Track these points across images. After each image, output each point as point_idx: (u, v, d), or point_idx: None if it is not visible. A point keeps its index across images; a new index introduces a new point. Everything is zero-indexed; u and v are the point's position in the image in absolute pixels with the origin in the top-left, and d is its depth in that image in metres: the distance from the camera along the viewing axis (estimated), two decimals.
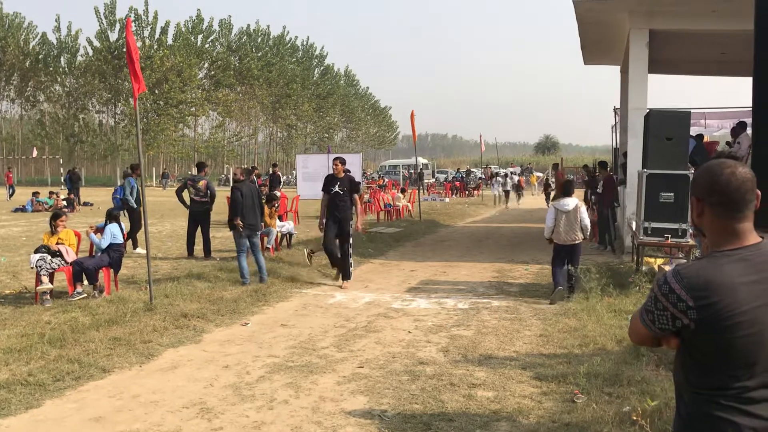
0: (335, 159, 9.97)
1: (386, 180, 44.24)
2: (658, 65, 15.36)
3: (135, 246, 13.28)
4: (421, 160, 52.33)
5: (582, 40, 14.89)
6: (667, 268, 9.72)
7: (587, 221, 8.73)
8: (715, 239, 2.01)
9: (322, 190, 9.96)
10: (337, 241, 9.91)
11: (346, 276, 9.98)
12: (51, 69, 60.93)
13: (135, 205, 13.11)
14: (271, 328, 7.53)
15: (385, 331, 7.31)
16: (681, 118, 8.83)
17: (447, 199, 31.99)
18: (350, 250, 10.18)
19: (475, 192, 36.46)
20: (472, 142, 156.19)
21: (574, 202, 8.72)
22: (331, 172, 10.18)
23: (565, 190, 8.97)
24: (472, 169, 55.86)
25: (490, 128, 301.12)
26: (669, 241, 8.80)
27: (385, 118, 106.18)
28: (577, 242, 8.73)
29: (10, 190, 32.79)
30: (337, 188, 9.70)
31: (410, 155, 53.63)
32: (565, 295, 8.67)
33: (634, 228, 10.07)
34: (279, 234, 13.37)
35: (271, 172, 24.80)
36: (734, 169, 1.97)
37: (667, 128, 8.58)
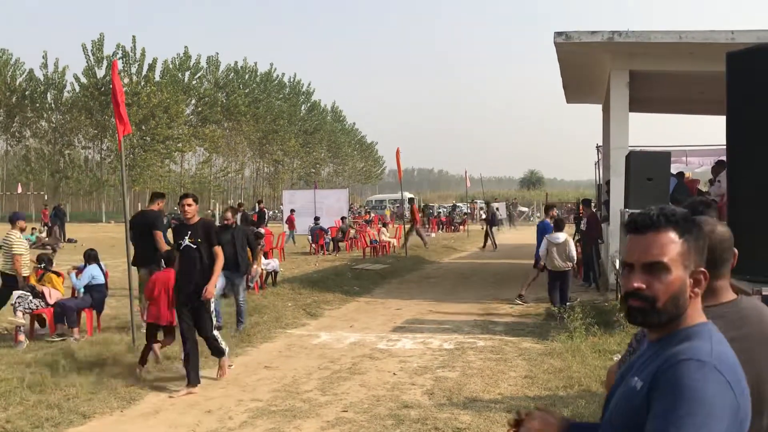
0: (183, 197, 6.92)
1: (372, 215, 44.42)
2: (639, 104, 15.63)
3: None
4: (407, 195, 52.60)
5: (564, 80, 15.15)
6: None
7: (573, 253, 10.84)
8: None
9: (173, 244, 7.21)
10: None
11: (218, 353, 7.03)
12: (38, 105, 60.86)
13: None
14: (254, 370, 7.47)
15: (370, 373, 7.27)
16: (661, 159, 8.96)
17: (433, 235, 32.04)
18: (214, 327, 7.01)
19: (461, 227, 36.56)
20: (457, 176, 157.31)
21: (564, 236, 10.78)
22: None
23: (557, 225, 10.99)
24: (457, 204, 56.11)
25: (475, 163, 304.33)
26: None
27: (372, 153, 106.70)
28: (567, 269, 10.74)
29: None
30: (187, 241, 6.71)
31: (396, 190, 53.88)
32: (558, 310, 9.93)
33: (617, 266, 10.14)
34: (264, 272, 13.32)
35: (257, 208, 24.83)
36: (713, 227, 2.01)
37: (647, 168, 8.69)
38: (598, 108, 18.90)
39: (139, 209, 11.77)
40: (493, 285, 14.72)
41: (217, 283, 7.90)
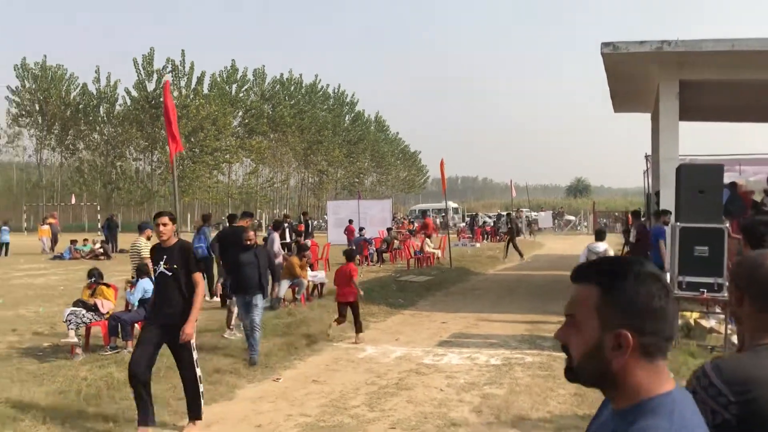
0: (158, 215, 6.02)
1: (416, 224, 44.39)
2: (689, 113, 15.32)
3: (211, 296, 13.23)
4: (452, 204, 52.43)
5: (611, 90, 14.95)
6: (705, 322, 9.56)
7: None
8: (753, 331, 1.94)
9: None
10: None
11: (194, 414, 6.01)
12: (90, 118, 62.81)
13: (207, 255, 13.23)
14: (302, 384, 7.54)
15: (417, 388, 7.27)
16: (713, 171, 8.78)
17: (478, 245, 31.88)
18: (197, 371, 6.05)
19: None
20: (502, 184, 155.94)
21: (604, 246, 10.88)
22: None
23: (597, 235, 11.38)
24: (502, 213, 55.68)
25: (521, 171, 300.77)
26: (705, 295, 8.66)
27: (415, 162, 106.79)
28: None
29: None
30: (162, 267, 5.91)
31: (440, 199, 53.75)
32: None
33: (668, 281, 9.94)
34: (310, 283, 13.45)
35: (303, 219, 25.03)
36: (761, 263, 1.96)
37: (699, 181, 8.53)
38: (647, 115, 18.58)
39: (227, 225, 12.53)
40: (539, 297, 14.56)
41: (262, 294, 8.52)
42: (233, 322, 10.07)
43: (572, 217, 53.67)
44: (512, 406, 6.53)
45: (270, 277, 8.84)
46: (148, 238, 10.19)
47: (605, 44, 11.23)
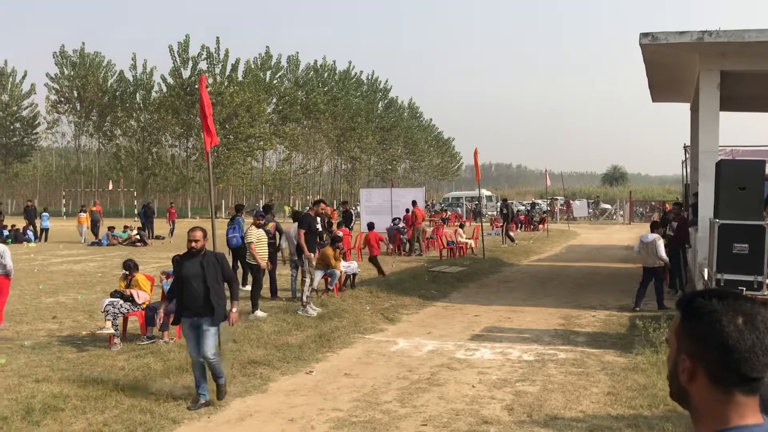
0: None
1: (449, 213, 44.21)
2: (730, 103, 14.95)
3: (245, 284, 13.44)
4: (485, 192, 52.09)
5: (650, 80, 14.64)
6: None
7: (661, 253, 11.49)
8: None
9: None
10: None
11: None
12: (127, 105, 63.71)
13: (241, 244, 13.35)
14: (335, 377, 7.60)
15: (449, 384, 7.27)
16: (755, 167, 8.56)
17: (512, 234, 31.62)
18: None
19: (541, 226, 35.93)
20: (537, 172, 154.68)
21: (653, 236, 11.60)
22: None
23: (652, 227, 12.11)
24: (537, 202, 55.19)
25: (556, 158, 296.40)
26: (744, 294, 8.47)
27: (449, 149, 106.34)
28: (656, 266, 11.57)
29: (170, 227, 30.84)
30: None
31: (473, 186, 53.36)
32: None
33: (706, 277, 9.76)
34: (343, 274, 13.51)
35: (342, 209, 24.96)
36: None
37: (739, 177, 8.32)
38: (686, 104, 18.18)
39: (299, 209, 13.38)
40: (573, 290, 14.43)
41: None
42: (306, 294, 10.91)
43: (608, 206, 52.87)
44: (545, 405, 6.50)
45: (230, 292, 6.89)
46: (258, 226, 11.52)
47: (644, 35, 10.98)
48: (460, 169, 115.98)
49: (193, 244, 6.61)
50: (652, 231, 11.93)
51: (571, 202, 50.72)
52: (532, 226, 36.66)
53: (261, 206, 13.52)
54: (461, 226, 22.90)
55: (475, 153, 21.03)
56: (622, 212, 48.51)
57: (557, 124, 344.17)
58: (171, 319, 8.96)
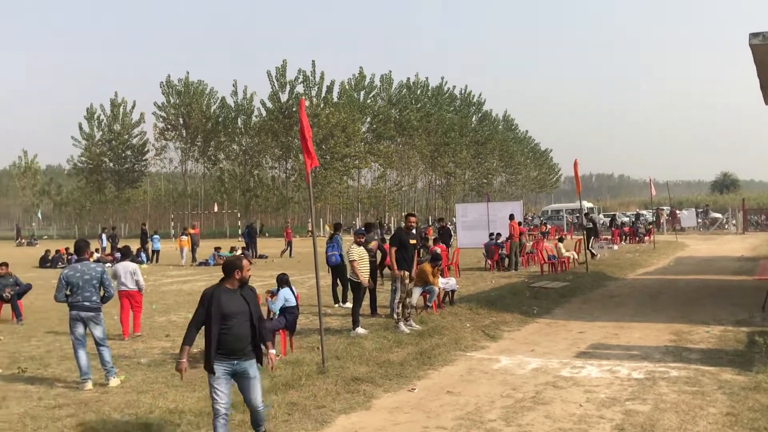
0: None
1: (548, 226, 43.22)
2: None
3: (344, 301, 13.81)
4: (586, 204, 50.66)
5: (761, 81, 13.87)
6: None
7: None
8: None
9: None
10: None
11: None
12: (229, 130, 66.58)
13: (340, 262, 13.73)
14: (437, 394, 7.56)
15: (555, 403, 7.08)
16: None
17: (615, 247, 30.60)
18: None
19: (647, 238, 34.54)
20: (640, 181, 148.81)
21: None
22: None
23: None
24: (641, 212, 53.12)
25: (659, 166, 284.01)
26: None
27: (546, 161, 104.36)
28: None
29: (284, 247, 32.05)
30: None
31: (573, 198, 52.00)
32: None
33: None
34: (442, 291, 13.46)
35: (439, 226, 24.93)
36: None
37: None
38: None
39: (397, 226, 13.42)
40: (684, 305, 13.75)
41: None
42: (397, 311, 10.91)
43: (718, 215, 50.17)
44: (657, 425, 6.21)
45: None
46: (359, 244, 11.58)
47: (754, 35, 10.43)
48: (558, 181, 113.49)
49: (245, 272, 5.62)
50: None
51: (678, 212, 48.51)
52: (637, 238, 35.33)
53: (360, 225, 13.79)
54: (561, 240, 22.32)
55: (575, 164, 20.54)
56: (734, 221, 45.94)
57: (660, 131, 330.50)
58: (274, 336, 9.24)
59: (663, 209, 49.36)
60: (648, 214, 49.79)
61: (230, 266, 5.58)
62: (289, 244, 32.08)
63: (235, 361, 5.49)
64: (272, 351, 5.89)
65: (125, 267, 11.22)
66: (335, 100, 61.83)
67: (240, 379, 5.58)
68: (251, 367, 5.58)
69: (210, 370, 5.51)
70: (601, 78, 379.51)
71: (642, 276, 19.87)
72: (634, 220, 44.03)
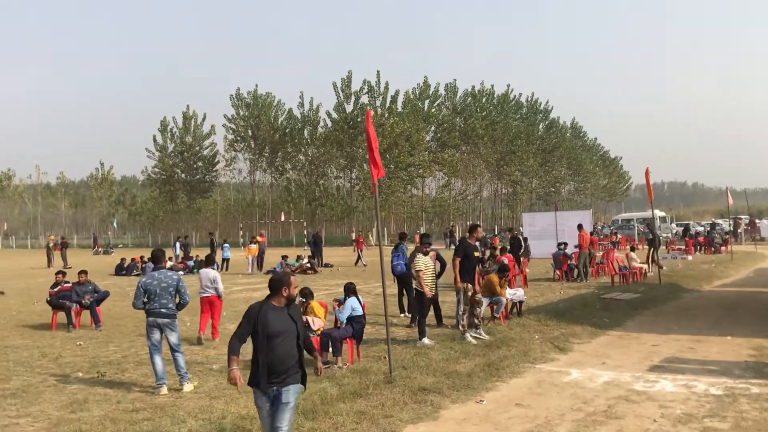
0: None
1: (619, 236, 42.13)
2: None
3: (410, 311, 13.82)
4: (658, 213, 49.18)
5: None
6: None
7: None
8: None
9: None
10: None
11: None
12: (296, 141, 67.80)
13: (405, 271, 13.75)
14: (506, 407, 7.47)
15: (627, 417, 6.89)
16: None
17: (690, 257, 29.58)
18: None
19: (723, 248, 33.26)
20: (716, 189, 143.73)
21: None
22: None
23: None
24: (717, 222, 51.22)
25: (736, 174, 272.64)
26: None
27: (616, 169, 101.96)
28: None
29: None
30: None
31: (644, 207, 50.62)
32: None
33: None
34: (509, 302, 13.30)
35: (509, 235, 24.61)
36: None
37: None
38: None
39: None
40: (765, 318, 13.17)
41: None
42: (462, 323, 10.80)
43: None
44: None
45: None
46: (425, 254, 11.46)
47: None
48: (629, 190, 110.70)
49: (293, 289, 5.31)
50: None
51: (757, 221, 46.51)
52: (712, 249, 34.07)
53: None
54: (632, 250, 21.72)
55: (647, 172, 19.98)
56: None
57: (737, 136, 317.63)
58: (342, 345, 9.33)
59: (741, 218, 47.44)
60: (724, 224, 47.95)
61: (278, 283, 5.27)
62: (360, 252, 32.46)
63: (275, 387, 5.05)
64: (321, 362, 5.64)
65: (207, 274, 11.62)
66: (399, 109, 62.12)
67: (273, 402, 5.12)
68: (287, 392, 5.09)
69: (256, 385, 5.12)
70: (671, 85, 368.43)
71: (719, 288, 19.12)
72: (709, 229, 42.47)
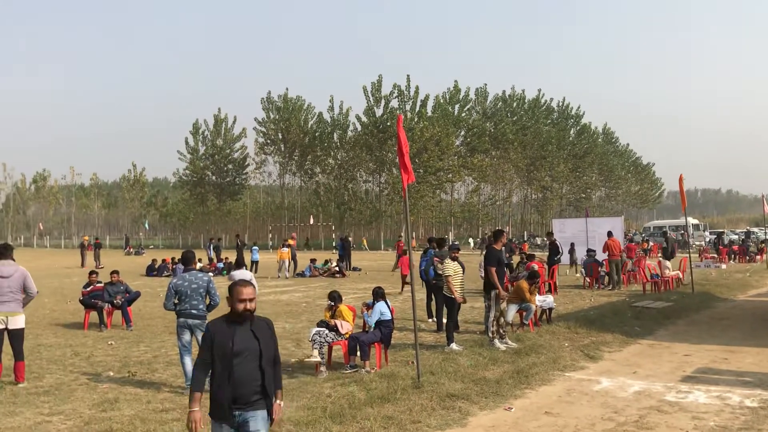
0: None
1: (651, 243, 41.53)
2: None
3: (438, 316, 13.72)
4: (692, 220, 48.39)
5: None
6: None
7: None
8: None
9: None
10: None
11: None
12: (325, 144, 68.09)
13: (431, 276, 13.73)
14: (535, 415, 7.39)
15: (659, 428, 6.77)
16: None
17: (723, 266, 29.05)
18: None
19: (758, 257, 32.61)
20: (750, 197, 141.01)
21: None
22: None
23: None
24: (752, 230, 50.23)
25: None
26: None
27: (648, 176, 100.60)
28: None
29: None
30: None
31: (677, 214, 49.77)
32: None
33: None
34: (538, 309, 13.18)
35: (548, 240, 24.27)
36: None
37: None
38: None
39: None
40: None
41: None
42: (491, 329, 10.74)
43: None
44: None
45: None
46: (454, 259, 11.42)
47: None
48: (661, 197, 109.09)
49: (248, 304, 4.39)
50: None
51: None
52: (747, 257, 33.41)
53: (453, 239, 13.72)
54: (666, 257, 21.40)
55: (680, 179, 19.67)
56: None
57: None
58: (370, 348, 9.32)
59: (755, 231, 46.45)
60: (760, 232, 46.96)
61: (232, 289, 4.41)
62: (399, 257, 32.33)
63: (237, 412, 4.23)
64: (279, 402, 4.45)
65: (242, 275, 11.69)
66: (429, 113, 62.05)
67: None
68: (254, 419, 4.24)
69: (213, 416, 4.29)
70: (705, 91, 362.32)
71: (754, 297, 18.73)
72: (744, 238, 41.66)
